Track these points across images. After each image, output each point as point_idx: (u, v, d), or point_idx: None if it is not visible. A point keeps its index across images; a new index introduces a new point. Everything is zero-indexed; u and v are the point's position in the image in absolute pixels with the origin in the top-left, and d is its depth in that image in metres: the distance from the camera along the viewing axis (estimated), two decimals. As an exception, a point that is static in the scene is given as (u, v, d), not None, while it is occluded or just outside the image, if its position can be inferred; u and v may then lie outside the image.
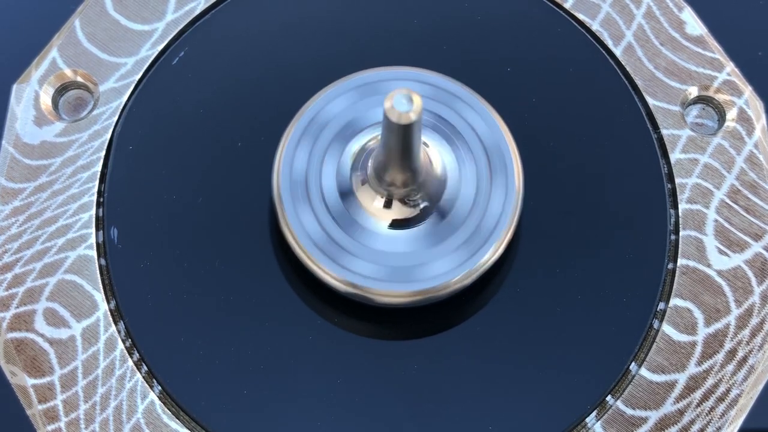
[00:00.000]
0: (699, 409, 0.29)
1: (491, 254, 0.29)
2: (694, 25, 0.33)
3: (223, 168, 0.32)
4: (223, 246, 0.31)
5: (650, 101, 0.32)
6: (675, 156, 0.32)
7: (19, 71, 0.33)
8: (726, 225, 0.31)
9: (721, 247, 0.31)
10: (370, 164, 0.29)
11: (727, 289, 0.30)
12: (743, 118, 0.32)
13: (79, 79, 0.33)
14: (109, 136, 0.32)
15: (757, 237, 0.31)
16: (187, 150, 0.32)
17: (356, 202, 0.30)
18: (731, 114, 0.32)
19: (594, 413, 0.29)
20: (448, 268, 0.29)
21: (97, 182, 0.32)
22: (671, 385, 0.30)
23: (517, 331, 0.30)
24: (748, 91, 0.33)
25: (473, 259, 0.29)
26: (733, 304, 0.30)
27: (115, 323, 0.30)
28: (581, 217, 0.31)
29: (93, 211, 0.31)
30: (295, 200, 0.30)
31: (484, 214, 0.30)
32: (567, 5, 0.34)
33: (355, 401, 0.29)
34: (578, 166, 0.32)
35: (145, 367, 0.30)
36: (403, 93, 0.26)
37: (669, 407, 0.29)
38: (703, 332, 0.30)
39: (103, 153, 0.32)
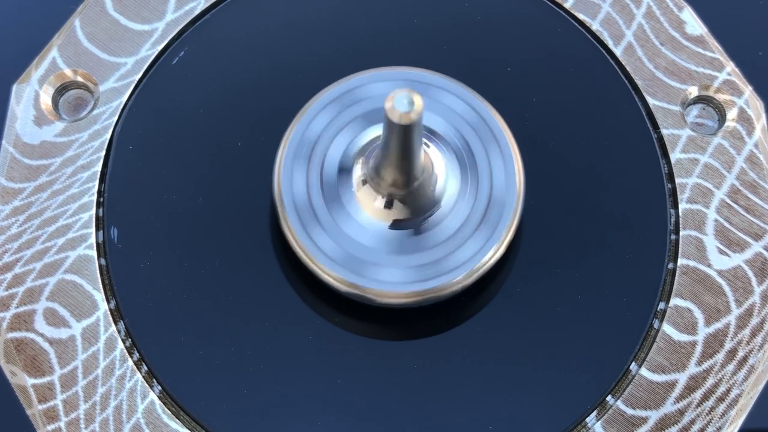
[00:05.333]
0: (699, 409, 0.29)
1: (492, 254, 0.29)
2: (694, 24, 0.33)
3: (224, 168, 0.32)
4: (223, 246, 0.31)
5: (650, 101, 0.32)
6: (675, 156, 0.32)
7: (19, 71, 0.33)
8: (726, 225, 0.31)
9: (722, 247, 0.31)
10: (370, 164, 0.29)
11: (727, 288, 0.30)
12: (743, 117, 0.32)
13: (79, 79, 0.33)
14: (109, 135, 0.32)
15: (757, 237, 0.31)
16: (187, 150, 0.32)
17: (357, 202, 0.30)
18: (731, 114, 0.32)
19: (594, 413, 0.29)
20: (448, 268, 0.29)
21: (97, 182, 0.32)
22: (671, 384, 0.30)
23: (517, 331, 0.30)
24: (748, 90, 0.33)
25: (474, 260, 0.29)
26: (733, 304, 0.30)
27: (115, 323, 0.30)
28: (581, 217, 0.31)
29: (93, 211, 0.31)
30: (295, 200, 0.30)
31: (485, 215, 0.30)
32: (567, 5, 0.34)
33: (355, 401, 0.29)
34: (578, 166, 0.32)
35: (145, 367, 0.30)
36: (404, 93, 0.26)
37: (669, 407, 0.29)
38: (703, 332, 0.30)
39: (103, 153, 0.32)
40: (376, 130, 0.30)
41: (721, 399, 0.30)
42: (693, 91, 0.33)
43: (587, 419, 0.29)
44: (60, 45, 0.33)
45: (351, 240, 0.29)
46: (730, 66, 0.33)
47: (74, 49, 0.33)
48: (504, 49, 0.33)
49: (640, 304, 0.30)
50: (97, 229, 0.31)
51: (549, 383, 0.30)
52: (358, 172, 0.30)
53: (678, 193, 0.31)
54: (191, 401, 0.29)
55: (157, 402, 0.29)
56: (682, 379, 0.30)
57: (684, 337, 0.30)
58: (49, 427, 0.29)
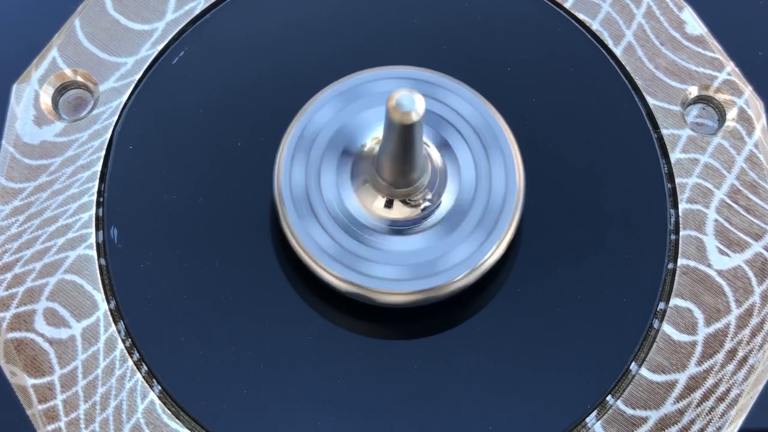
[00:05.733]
0: (699, 409, 0.29)
1: (492, 254, 0.29)
2: (694, 24, 0.33)
3: (224, 167, 0.32)
4: (224, 246, 0.31)
5: (650, 101, 0.32)
6: (675, 156, 0.32)
7: (19, 71, 0.33)
8: (726, 225, 0.31)
9: (722, 247, 0.31)
10: (371, 164, 0.29)
11: (727, 288, 0.30)
12: (743, 117, 0.32)
13: (79, 78, 0.33)
14: (109, 135, 0.32)
15: (757, 237, 0.31)
16: (187, 150, 0.32)
17: (357, 201, 0.30)
18: (731, 114, 0.32)
19: (594, 413, 0.29)
20: (448, 267, 0.29)
21: (97, 182, 0.32)
22: (671, 384, 0.30)
23: (517, 331, 0.30)
24: (748, 90, 0.33)
25: (474, 259, 0.29)
26: (733, 304, 0.30)
27: (115, 323, 0.30)
28: (581, 216, 0.31)
29: (93, 211, 0.31)
30: (296, 200, 0.30)
31: (484, 214, 0.30)
32: (567, 5, 0.34)
33: (356, 401, 0.29)
34: (578, 166, 0.32)
35: (145, 367, 0.30)
36: (406, 93, 0.26)
37: (669, 407, 0.29)
38: (703, 332, 0.30)
39: (103, 153, 0.32)
40: (377, 130, 0.30)
41: (721, 399, 0.30)
42: (693, 91, 0.33)
43: (587, 419, 0.29)
44: (60, 45, 0.33)
45: (351, 239, 0.29)
46: (730, 66, 0.33)
47: (74, 49, 0.33)
48: (504, 49, 0.33)
49: (640, 304, 0.30)
50: (97, 229, 0.31)
51: (549, 383, 0.30)
52: (358, 171, 0.30)
53: (678, 193, 0.31)
54: (191, 401, 0.29)
55: (157, 402, 0.29)
56: (682, 379, 0.30)
57: (684, 337, 0.30)
58: (49, 427, 0.29)
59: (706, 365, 0.30)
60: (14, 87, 0.33)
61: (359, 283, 0.29)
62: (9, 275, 0.31)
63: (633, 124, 0.32)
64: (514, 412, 0.29)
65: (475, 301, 0.30)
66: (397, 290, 0.29)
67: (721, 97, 0.32)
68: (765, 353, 0.30)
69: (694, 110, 0.33)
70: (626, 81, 0.33)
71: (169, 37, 0.33)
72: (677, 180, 0.32)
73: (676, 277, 0.31)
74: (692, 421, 0.29)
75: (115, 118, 0.32)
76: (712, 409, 0.29)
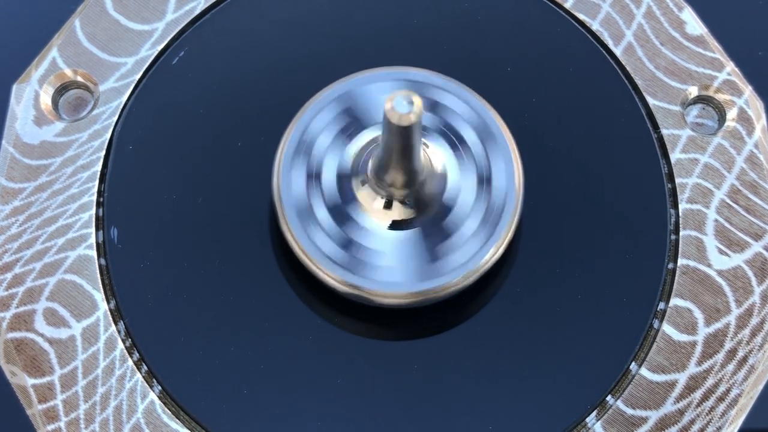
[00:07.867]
0: (699, 409, 0.29)
1: (491, 254, 0.29)
2: (694, 24, 0.33)
3: (223, 168, 0.32)
4: (223, 246, 0.31)
5: (650, 101, 0.32)
6: (675, 156, 0.32)
7: (19, 71, 0.33)
8: (726, 225, 0.31)
9: (722, 247, 0.31)
10: (370, 165, 0.29)
11: (727, 288, 0.30)
12: (743, 117, 0.32)
13: (79, 78, 0.33)
14: (109, 135, 0.32)
15: (757, 237, 0.31)
16: (187, 150, 0.32)
17: (356, 202, 0.30)
18: (731, 114, 0.32)
19: (594, 413, 0.29)
20: (448, 268, 0.29)
21: (97, 182, 0.32)
22: (671, 384, 0.30)
23: (517, 332, 0.30)
24: (748, 90, 0.33)
25: (473, 260, 0.29)
26: (733, 304, 0.30)
27: (115, 323, 0.30)
28: (581, 217, 0.31)
29: (93, 211, 0.31)
30: (295, 200, 0.30)
31: (484, 215, 0.30)
32: (567, 5, 0.34)
33: (355, 401, 0.29)
34: (578, 166, 0.32)
35: (145, 367, 0.30)
36: (404, 95, 0.26)
37: (669, 407, 0.29)
38: (703, 332, 0.30)
39: (103, 153, 0.32)
40: (376, 131, 0.30)
41: (721, 399, 0.30)
42: (693, 91, 0.33)
43: (587, 419, 0.29)
44: (60, 45, 0.33)
45: (350, 240, 0.29)
46: (730, 66, 0.33)
47: (74, 49, 0.33)
48: (504, 49, 0.33)
49: (640, 304, 0.30)
50: (97, 229, 0.31)
51: (549, 383, 0.30)
52: (357, 172, 0.30)
53: (678, 193, 0.31)
54: (191, 401, 0.30)
55: (157, 402, 0.29)
56: (682, 379, 0.30)
57: (684, 337, 0.30)
58: (49, 427, 0.29)
59: (706, 365, 0.30)
60: (14, 87, 0.33)
61: (359, 285, 0.29)
62: (9, 275, 0.31)
63: (633, 124, 0.32)
64: (514, 412, 0.29)
65: (475, 301, 0.30)
66: (396, 291, 0.29)
67: (721, 97, 0.32)
68: (765, 353, 0.30)
69: (694, 110, 0.33)
70: (626, 81, 0.33)
71: (169, 37, 0.33)
72: (677, 180, 0.32)
73: (676, 277, 0.31)
74: (692, 421, 0.29)
75: (115, 118, 0.32)
76: (712, 409, 0.29)
